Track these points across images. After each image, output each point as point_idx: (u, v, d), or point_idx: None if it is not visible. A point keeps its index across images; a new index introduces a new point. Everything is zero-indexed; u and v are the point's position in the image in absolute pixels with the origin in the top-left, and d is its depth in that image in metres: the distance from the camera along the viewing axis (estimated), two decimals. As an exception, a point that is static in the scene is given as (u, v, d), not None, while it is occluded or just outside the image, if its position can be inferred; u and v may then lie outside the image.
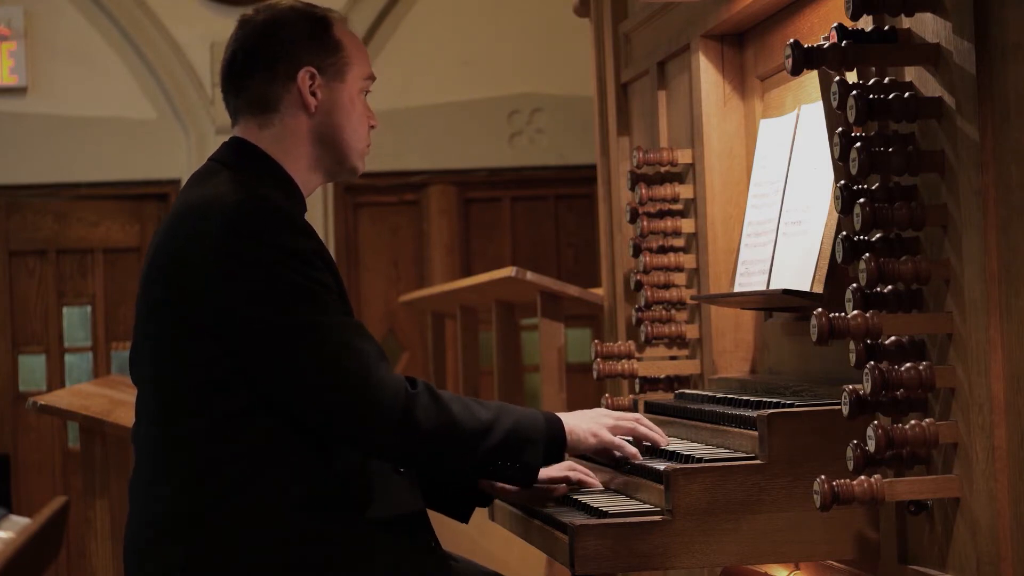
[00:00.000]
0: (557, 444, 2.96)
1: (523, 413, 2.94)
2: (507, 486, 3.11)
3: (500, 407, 2.91)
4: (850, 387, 2.51)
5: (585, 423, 3.01)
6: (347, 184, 9.17)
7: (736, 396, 3.15)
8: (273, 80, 2.93)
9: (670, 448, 3.01)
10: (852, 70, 2.61)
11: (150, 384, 2.86)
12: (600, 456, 3.10)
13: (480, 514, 3.38)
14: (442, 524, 3.20)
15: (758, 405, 2.97)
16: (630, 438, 3.07)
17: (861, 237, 2.52)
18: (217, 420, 2.77)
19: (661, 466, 2.82)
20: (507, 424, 2.88)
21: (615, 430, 3.04)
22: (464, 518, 3.19)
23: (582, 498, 2.97)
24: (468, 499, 3.17)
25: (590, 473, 3.10)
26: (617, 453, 3.04)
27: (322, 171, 2.99)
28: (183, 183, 10.37)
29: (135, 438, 2.92)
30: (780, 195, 3.25)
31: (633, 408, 3.80)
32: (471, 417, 2.85)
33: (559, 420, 2.98)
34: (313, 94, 2.93)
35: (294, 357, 2.75)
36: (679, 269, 3.73)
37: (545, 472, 3.01)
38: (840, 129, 2.52)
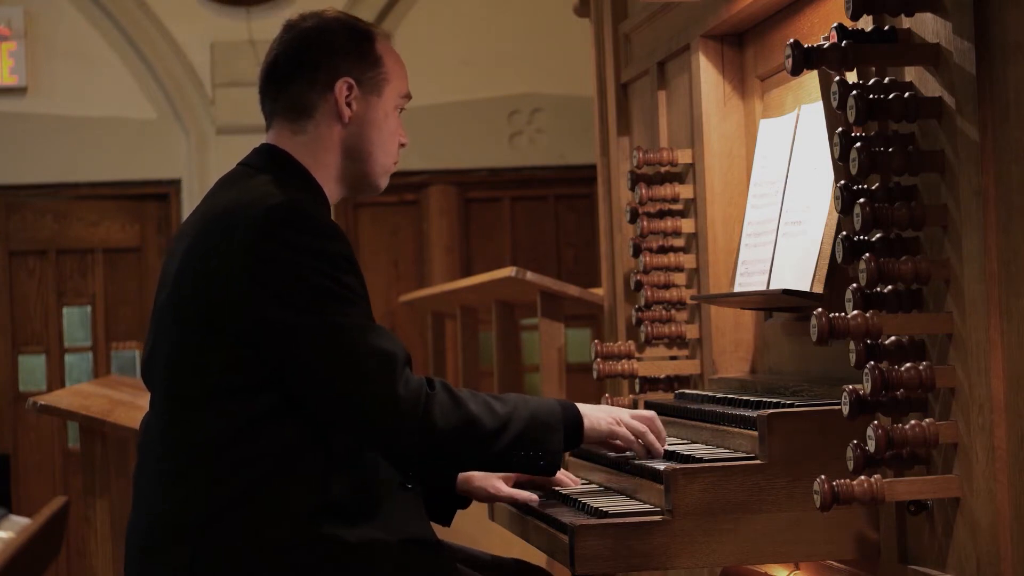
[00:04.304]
0: (575, 429, 2.96)
1: (539, 402, 2.95)
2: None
3: (517, 399, 2.92)
4: (850, 387, 2.51)
5: (600, 412, 3.01)
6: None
7: (736, 396, 3.15)
8: (312, 87, 2.94)
9: (670, 448, 3.00)
10: (852, 70, 2.61)
11: (167, 385, 2.85)
12: (606, 448, 3.10)
13: (480, 514, 3.38)
14: (442, 527, 3.20)
15: (758, 405, 2.97)
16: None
17: (861, 237, 2.51)
18: (237, 425, 2.77)
19: (661, 466, 2.82)
20: (525, 415, 2.88)
21: (627, 426, 3.02)
22: (446, 521, 3.20)
23: (582, 498, 2.97)
24: (448, 502, 3.18)
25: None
26: (620, 444, 3.03)
27: (346, 184, 2.99)
28: (183, 183, 10.34)
29: (145, 436, 2.91)
30: (780, 195, 3.25)
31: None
32: (490, 413, 2.85)
33: (574, 406, 2.99)
34: (349, 105, 2.94)
35: (319, 358, 2.76)
36: (679, 269, 3.73)
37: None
38: (840, 129, 2.52)
